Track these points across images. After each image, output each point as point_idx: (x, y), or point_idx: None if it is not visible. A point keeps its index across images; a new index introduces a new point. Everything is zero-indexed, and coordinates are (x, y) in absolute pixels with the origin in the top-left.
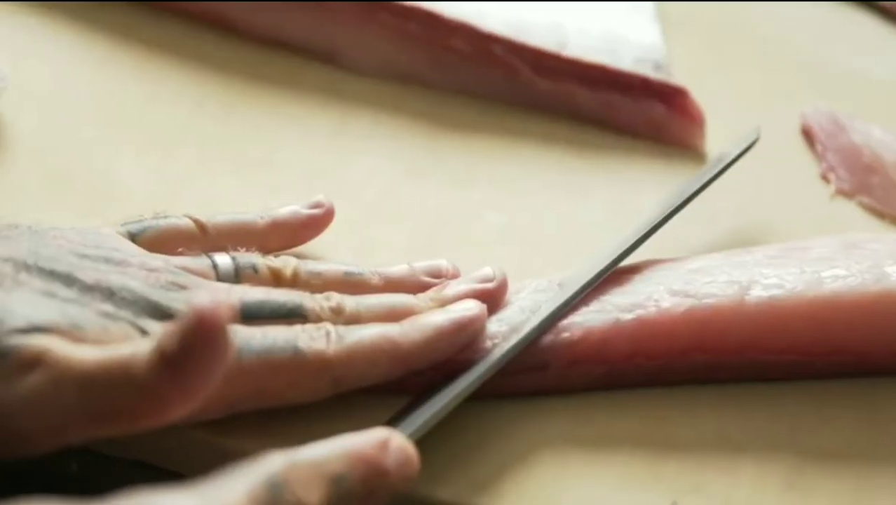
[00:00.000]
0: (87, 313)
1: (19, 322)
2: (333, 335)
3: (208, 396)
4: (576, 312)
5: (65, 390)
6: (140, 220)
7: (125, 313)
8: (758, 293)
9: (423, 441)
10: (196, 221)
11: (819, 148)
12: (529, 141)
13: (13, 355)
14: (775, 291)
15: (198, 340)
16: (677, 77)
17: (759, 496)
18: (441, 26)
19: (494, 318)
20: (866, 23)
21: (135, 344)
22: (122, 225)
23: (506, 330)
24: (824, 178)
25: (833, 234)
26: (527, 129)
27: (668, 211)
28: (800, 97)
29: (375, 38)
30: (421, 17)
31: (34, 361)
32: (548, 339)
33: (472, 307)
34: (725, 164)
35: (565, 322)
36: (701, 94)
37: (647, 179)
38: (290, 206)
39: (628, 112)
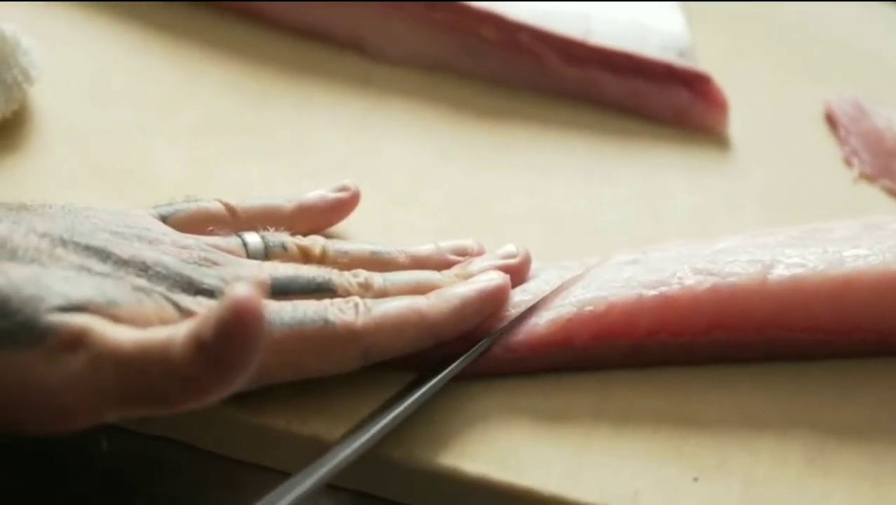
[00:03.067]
0: (122, 288)
1: (58, 300)
2: (362, 307)
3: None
4: (599, 287)
5: (103, 371)
6: (171, 204)
7: (159, 288)
8: (780, 272)
9: (449, 417)
10: (226, 205)
11: (842, 132)
12: (556, 127)
13: (53, 335)
14: (797, 270)
15: (234, 329)
16: (702, 64)
17: (780, 472)
18: (469, 15)
19: (519, 288)
20: (889, 9)
21: (172, 328)
22: (153, 208)
23: (530, 299)
24: (847, 162)
25: (855, 217)
26: (553, 116)
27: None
28: (823, 83)
29: (404, 27)
30: (449, 6)
31: (74, 342)
32: (572, 312)
33: (495, 277)
34: (421, 393)
35: (589, 296)
36: (725, 81)
37: (672, 164)
38: (317, 191)
39: (653, 98)
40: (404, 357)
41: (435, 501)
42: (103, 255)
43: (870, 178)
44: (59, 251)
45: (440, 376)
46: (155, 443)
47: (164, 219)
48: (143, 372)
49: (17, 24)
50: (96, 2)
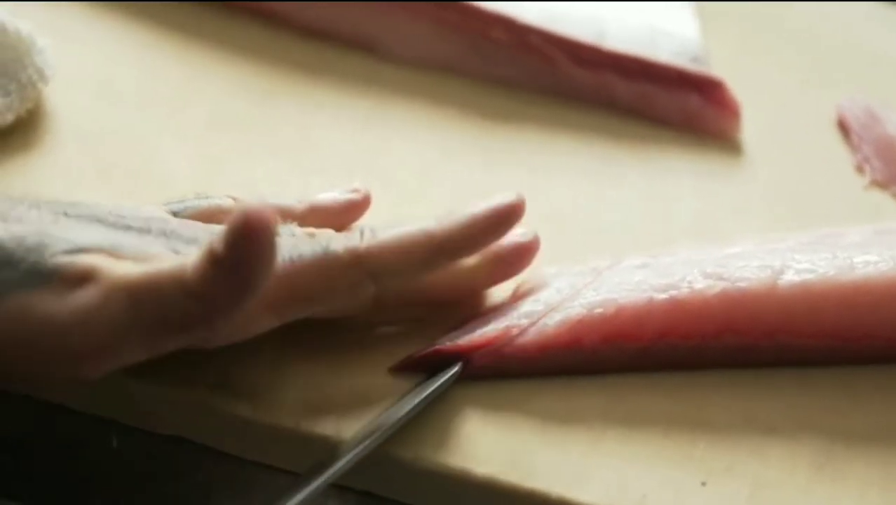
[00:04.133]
0: (128, 238)
1: (63, 245)
2: (367, 233)
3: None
4: (609, 290)
5: (115, 304)
6: (182, 200)
7: (164, 242)
8: (790, 277)
9: (458, 418)
10: (237, 202)
11: (854, 139)
12: (567, 130)
13: (61, 272)
14: (807, 276)
15: (247, 236)
16: (714, 68)
17: (788, 477)
18: (479, 17)
19: (531, 298)
20: None
21: (181, 257)
22: (164, 204)
23: (542, 309)
24: (859, 168)
25: (866, 223)
26: (564, 119)
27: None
28: (835, 88)
29: (414, 28)
30: (459, 7)
31: (83, 277)
32: (581, 314)
33: (509, 195)
34: (428, 393)
35: (599, 299)
36: (737, 85)
37: (683, 169)
38: (329, 192)
39: (665, 103)
40: (415, 362)
41: (442, 502)
42: (106, 222)
43: (881, 184)
44: (62, 220)
45: (447, 377)
46: (164, 442)
47: (175, 215)
48: (157, 297)
49: (31, 23)
50: (107, 1)
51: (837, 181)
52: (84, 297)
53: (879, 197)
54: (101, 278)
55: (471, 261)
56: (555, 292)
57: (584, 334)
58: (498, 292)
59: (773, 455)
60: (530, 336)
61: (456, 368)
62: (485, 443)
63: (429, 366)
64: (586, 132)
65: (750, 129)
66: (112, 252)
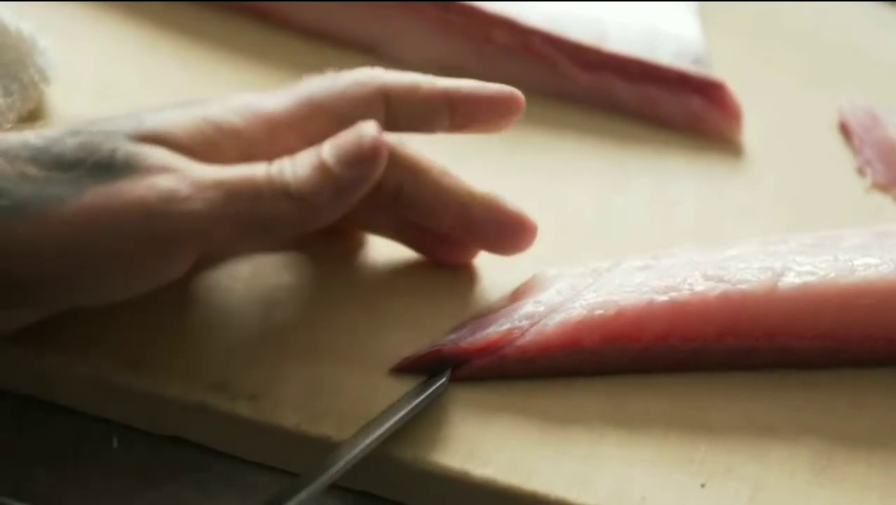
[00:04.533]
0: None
1: (145, 125)
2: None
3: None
4: (610, 291)
5: (209, 194)
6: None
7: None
8: (791, 279)
9: (458, 419)
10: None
11: (856, 141)
12: (568, 132)
13: (135, 163)
14: (808, 278)
15: (364, 164)
16: (716, 71)
17: (788, 480)
18: (482, 19)
19: (532, 299)
20: None
21: (276, 163)
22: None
23: (543, 310)
24: (860, 171)
25: (868, 226)
26: (565, 121)
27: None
28: (837, 91)
29: (417, 30)
30: (462, 9)
31: (160, 169)
32: (582, 315)
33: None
34: (428, 394)
35: (600, 300)
36: (739, 88)
37: (684, 171)
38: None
39: (666, 105)
40: (415, 363)
41: (442, 503)
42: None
43: (883, 187)
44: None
45: (445, 378)
46: (164, 442)
47: None
48: (254, 194)
49: (33, 24)
50: (108, 1)
51: (839, 183)
52: (169, 184)
53: (881, 199)
54: (181, 170)
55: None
56: (555, 294)
57: (584, 335)
58: (498, 293)
59: (774, 457)
60: (530, 337)
61: (450, 371)
62: (484, 444)
63: (429, 367)
64: (587, 134)
65: (751, 131)
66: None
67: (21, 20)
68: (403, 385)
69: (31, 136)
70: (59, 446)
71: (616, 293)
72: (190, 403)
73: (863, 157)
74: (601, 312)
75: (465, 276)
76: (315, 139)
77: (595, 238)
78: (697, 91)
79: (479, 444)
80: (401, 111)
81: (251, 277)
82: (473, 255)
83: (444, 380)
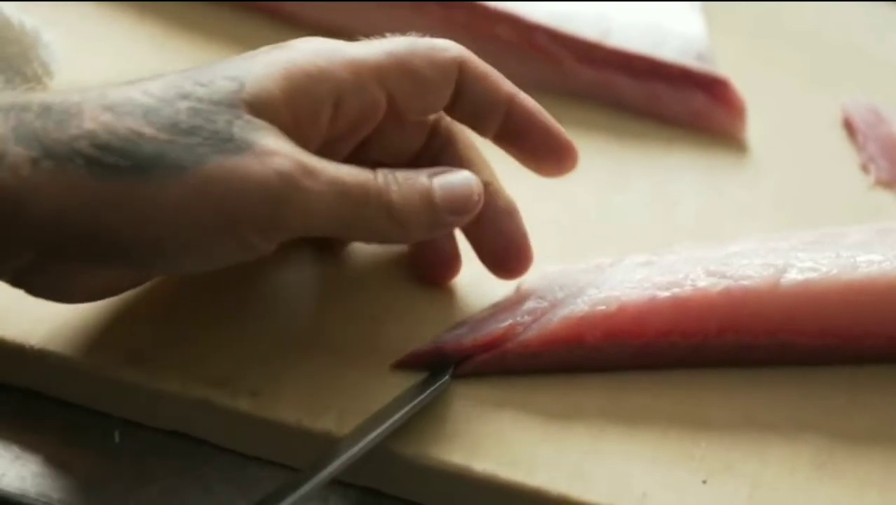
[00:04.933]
0: None
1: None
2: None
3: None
4: (612, 287)
5: (327, 189)
6: None
7: None
8: (793, 276)
9: (459, 415)
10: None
11: (859, 138)
12: (572, 129)
13: (255, 145)
14: (810, 274)
15: (467, 212)
16: (720, 67)
17: (788, 477)
18: (486, 15)
19: (535, 295)
20: None
21: (383, 175)
22: None
23: (546, 306)
24: (864, 168)
25: (871, 223)
26: (569, 118)
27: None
28: (841, 88)
29: (421, 26)
30: (466, 6)
31: (272, 153)
32: (584, 311)
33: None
34: (431, 390)
35: (602, 296)
36: (743, 85)
37: (688, 168)
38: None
39: (670, 101)
40: (417, 358)
41: (444, 498)
42: None
43: (886, 184)
44: None
45: (447, 375)
46: (166, 437)
47: None
48: (362, 203)
49: (39, 19)
50: (123, 0)
51: (842, 180)
52: (290, 170)
53: (884, 196)
54: (298, 158)
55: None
56: (557, 289)
57: (586, 331)
58: (500, 289)
59: (774, 454)
60: (532, 332)
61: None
62: (486, 439)
63: (431, 363)
64: (591, 130)
65: (755, 127)
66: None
67: (25, 14)
68: (405, 381)
69: (135, 93)
70: (61, 440)
71: (618, 289)
72: (191, 398)
73: (866, 153)
74: (603, 307)
75: (468, 272)
76: (395, 93)
77: (598, 235)
78: (701, 88)
79: (480, 439)
80: (466, 91)
81: (253, 273)
82: (455, 274)
83: (446, 377)
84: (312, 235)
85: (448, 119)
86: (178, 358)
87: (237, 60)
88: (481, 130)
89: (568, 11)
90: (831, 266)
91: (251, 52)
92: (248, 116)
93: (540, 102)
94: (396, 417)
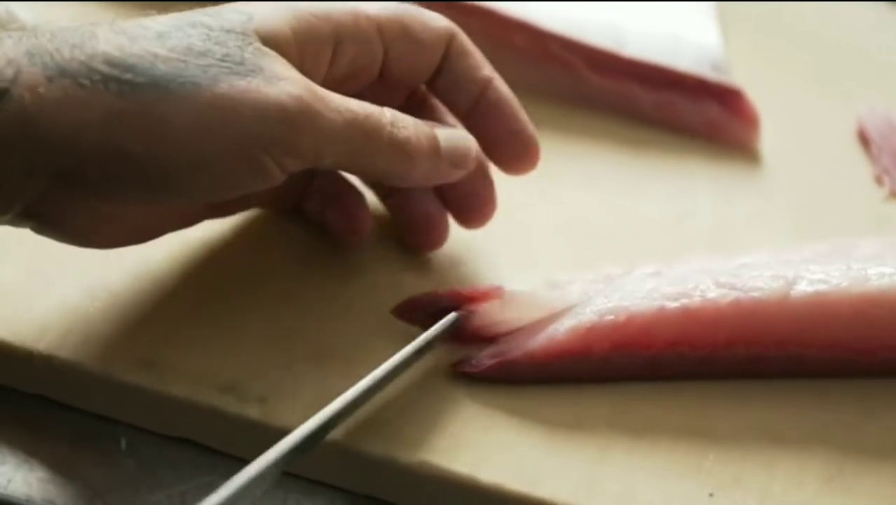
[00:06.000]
0: None
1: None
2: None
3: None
4: (621, 297)
5: (333, 116)
6: None
7: None
8: (803, 288)
9: (465, 424)
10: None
11: (874, 150)
12: (585, 137)
13: (265, 68)
14: (820, 287)
15: (462, 162)
16: (736, 78)
17: (796, 490)
18: (501, 24)
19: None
20: None
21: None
22: None
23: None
24: (878, 180)
25: (884, 235)
26: (583, 126)
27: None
28: (857, 99)
29: None
30: (481, 14)
31: (283, 77)
32: (592, 321)
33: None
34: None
35: (610, 306)
36: (758, 95)
37: (701, 177)
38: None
39: (684, 111)
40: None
41: None
42: None
43: None
44: None
45: (402, 354)
46: (173, 443)
47: None
48: (369, 133)
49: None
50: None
51: (856, 192)
52: (303, 94)
53: None
54: (308, 85)
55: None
56: (567, 297)
57: (594, 342)
58: None
59: (782, 467)
60: (540, 342)
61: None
62: (492, 449)
63: (427, 312)
64: (605, 139)
65: (769, 137)
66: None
67: (24, 11)
68: (413, 390)
69: (146, 20)
70: (67, 446)
71: (627, 299)
72: (199, 404)
73: (881, 165)
74: (611, 317)
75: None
76: (390, 50)
77: (610, 244)
78: (715, 98)
79: (486, 449)
80: (449, 64)
81: (261, 281)
82: (441, 240)
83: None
84: (321, 167)
85: (427, 93)
86: (186, 364)
87: (242, 2)
88: (453, 107)
89: (583, 20)
90: (842, 278)
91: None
92: (257, 44)
93: (554, 110)
94: (343, 401)
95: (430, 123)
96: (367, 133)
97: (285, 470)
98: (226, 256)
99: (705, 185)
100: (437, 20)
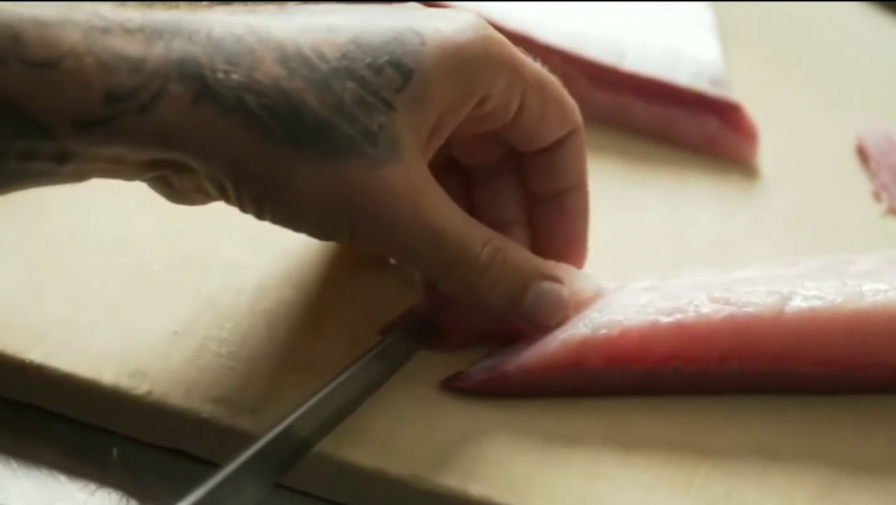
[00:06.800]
0: None
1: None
2: None
3: None
4: (615, 311)
5: (429, 236)
6: None
7: None
8: (797, 304)
9: (457, 437)
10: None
11: (872, 165)
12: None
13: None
14: (815, 303)
15: (545, 319)
16: (736, 92)
17: None
18: None
19: None
20: None
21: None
22: None
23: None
24: (876, 196)
25: (882, 251)
26: None
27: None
28: (856, 114)
29: None
30: None
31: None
32: (585, 334)
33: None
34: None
35: (604, 320)
36: (758, 110)
37: (699, 192)
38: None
39: (683, 126)
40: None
41: None
42: None
43: None
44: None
45: (371, 354)
46: (164, 454)
47: None
48: (453, 258)
49: None
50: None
51: (854, 208)
52: (420, 203)
53: None
54: (425, 191)
55: None
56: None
57: (587, 356)
58: None
59: (775, 484)
60: (532, 355)
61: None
62: (483, 463)
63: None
64: (604, 153)
65: (768, 152)
66: None
67: None
68: (403, 399)
69: (308, 51)
70: (59, 455)
71: (621, 313)
72: (190, 416)
73: (879, 181)
74: (605, 331)
75: None
76: (526, 106)
77: (608, 258)
78: (714, 112)
79: (478, 463)
80: (558, 150)
81: (255, 292)
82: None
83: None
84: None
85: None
86: (178, 375)
87: (410, 32)
88: (533, 187)
89: (583, 34)
90: (836, 295)
91: (428, 13)
92: (400, 123)
93: None
94: (313, 401)
95: (544, 269)
96: (447, 260)
97: (277, 483)
98: (220, 266)
99: (704, 199)
100: (574, 106)
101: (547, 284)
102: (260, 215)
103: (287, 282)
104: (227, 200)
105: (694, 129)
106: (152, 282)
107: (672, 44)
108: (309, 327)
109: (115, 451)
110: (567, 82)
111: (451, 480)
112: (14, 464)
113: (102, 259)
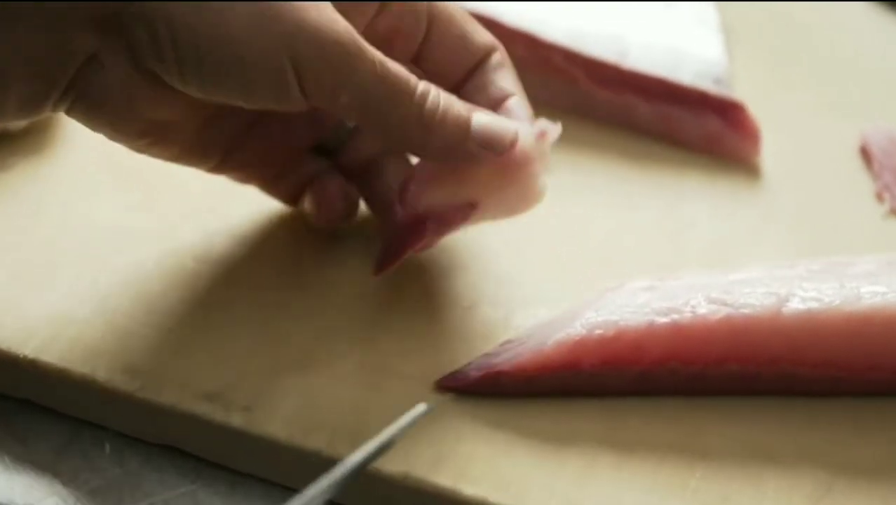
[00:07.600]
0: None
1: None
2: None
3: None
4: (611, 312)
5: (365, 66)
6: None
7: None
8: (795, 305)
9: (452, 436)
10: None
11: (875, 166)
12: (586, 149)
13: None
14: (812, 304)
15: (496, 147)
16: (739, 92)
17: None
18: (501, 34)
19: (529, 314)
20: None
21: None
22: None
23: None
24: (879, 196)
25: (883, 252)
26: (584, 138)
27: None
28: (859, 115)
29: None
30: (482, 24)
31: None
32: (581, 334)
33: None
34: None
35: (600, 320)
36: (761, 109)
37: (700, 192)
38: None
39: (685, 125)
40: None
41: None
42: None
43: None
44: None
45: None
46: (157, 451)
47: None
48: (393, 95)
49: None
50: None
51: (856, 209)
52: (342, 27)
53: None
54: (351, 28)
55: None
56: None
57: (582, 356)
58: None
59: (771, 486)
60: (527, 355)
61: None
62: (477, 462)
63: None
64: (605, 151)
65: (770, 152)
66: None
67: None
68: (397, 401)
69: None
70: (52, 452)
71: (617, 313)
72: (183, 412)
73: (882, 182)
74: (601, 331)
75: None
76: (433, 28)
77: (608, 257)
78: (716, 111)
79: (472, 462)
80: (481, 72)
81: (248, 288)
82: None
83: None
84: (338, 111)
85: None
86: (171, 372)
87: None
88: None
89: (585, 32)
90: (834, 296)
91: None
92: None
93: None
94: (387, 437)
95: (475, 108)
96: (392, 92)
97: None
98: (214, 264)
99: (705, 199)
100: (484, 30)
101: (488, 114)
102: (193, 69)
103: (283, 281)
104: (160, 54)
105: (696, 128)
106: (146, 278)
107: (675, 42)
108: (302, 326)
109: (107, 446)
110: (568, 79)
111: (444, 480)
112: (6, 460)
113: (96, 255)
